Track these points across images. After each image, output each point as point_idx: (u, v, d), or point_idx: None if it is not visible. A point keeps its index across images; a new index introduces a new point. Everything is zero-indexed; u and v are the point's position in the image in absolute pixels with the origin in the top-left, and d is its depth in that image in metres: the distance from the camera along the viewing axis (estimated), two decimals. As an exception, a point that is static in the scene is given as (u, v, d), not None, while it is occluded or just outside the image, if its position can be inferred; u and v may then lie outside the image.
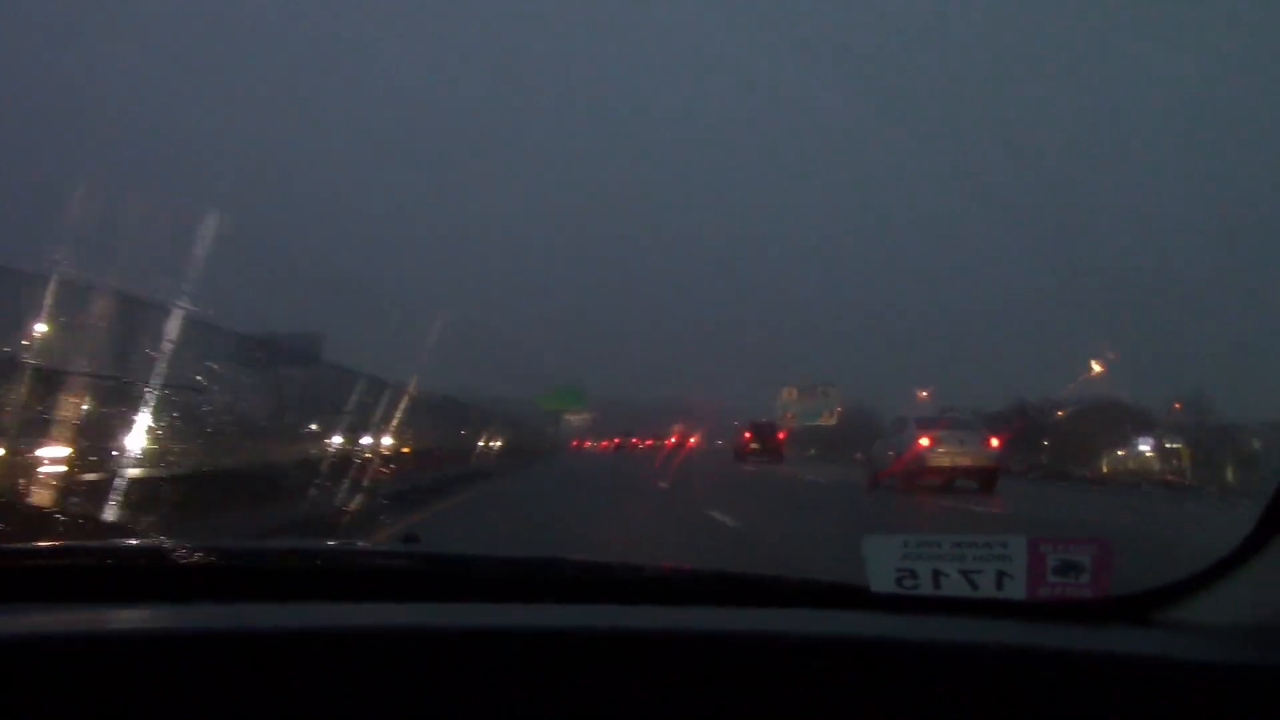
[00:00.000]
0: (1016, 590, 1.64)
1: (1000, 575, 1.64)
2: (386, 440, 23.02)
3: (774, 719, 1.43)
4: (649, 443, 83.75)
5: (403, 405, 24.06)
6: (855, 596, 1.71)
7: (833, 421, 70.49)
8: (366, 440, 21.30)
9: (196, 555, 1.83)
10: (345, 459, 17.08)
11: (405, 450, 24.62)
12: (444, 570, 1.94)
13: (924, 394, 46.92)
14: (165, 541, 2.06)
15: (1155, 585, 1.66)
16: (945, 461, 20.44)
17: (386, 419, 22.67)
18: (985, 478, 20.64)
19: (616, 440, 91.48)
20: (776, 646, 1.53)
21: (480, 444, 38.82)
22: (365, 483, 15.12)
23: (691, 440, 76.94)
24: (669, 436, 78.07)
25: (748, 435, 48.34)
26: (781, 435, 50.46)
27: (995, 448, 21.34)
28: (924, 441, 20.60)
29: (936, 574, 1.66)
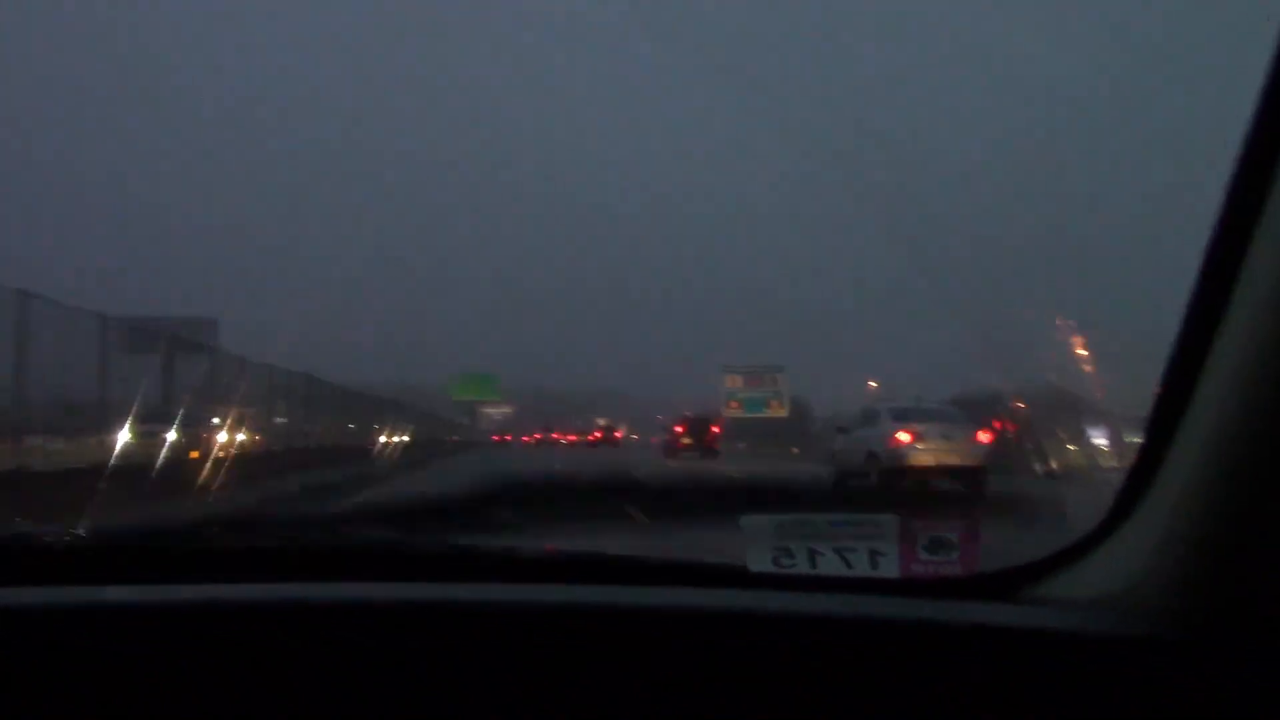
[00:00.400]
0: (890, 568, 1.69)
1: (873, 553, 1.69)
2: (240, 436, 21.21)
3: (649, 691, 1.46)
4: (571, 438, 78.23)
5: (268, 391, 22.62)
6: (735, 575, 1.73)
7: (784, 412, 62.82)
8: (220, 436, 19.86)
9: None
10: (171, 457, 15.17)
11: (253, 444, 22.26)
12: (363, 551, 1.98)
13: (873, 383, 45.09)
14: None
15: (1020, 562, 1.72)
16: (929, 460, 17.31)
17: (244, 408, 21.18)
18: (973, 478, 16.91)
19: (537, 435, 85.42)
20: (657, 618, 1.56)
21: (380, 439, 34.70)
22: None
23: (618, 434, 72.87)
24: (593, 431, 74.12)
25: (679, 428, 44.92)
26: (716, 428, 46.61)
27: (985, 443, 18.17)
28: (903, 437, 17.56)
29: (813, 553, 1.70)
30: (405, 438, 38.69)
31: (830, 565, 1.69)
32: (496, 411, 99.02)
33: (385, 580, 1.70)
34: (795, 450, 46.87)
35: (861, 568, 1.69)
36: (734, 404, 65.09)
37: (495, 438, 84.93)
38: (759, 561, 1.71)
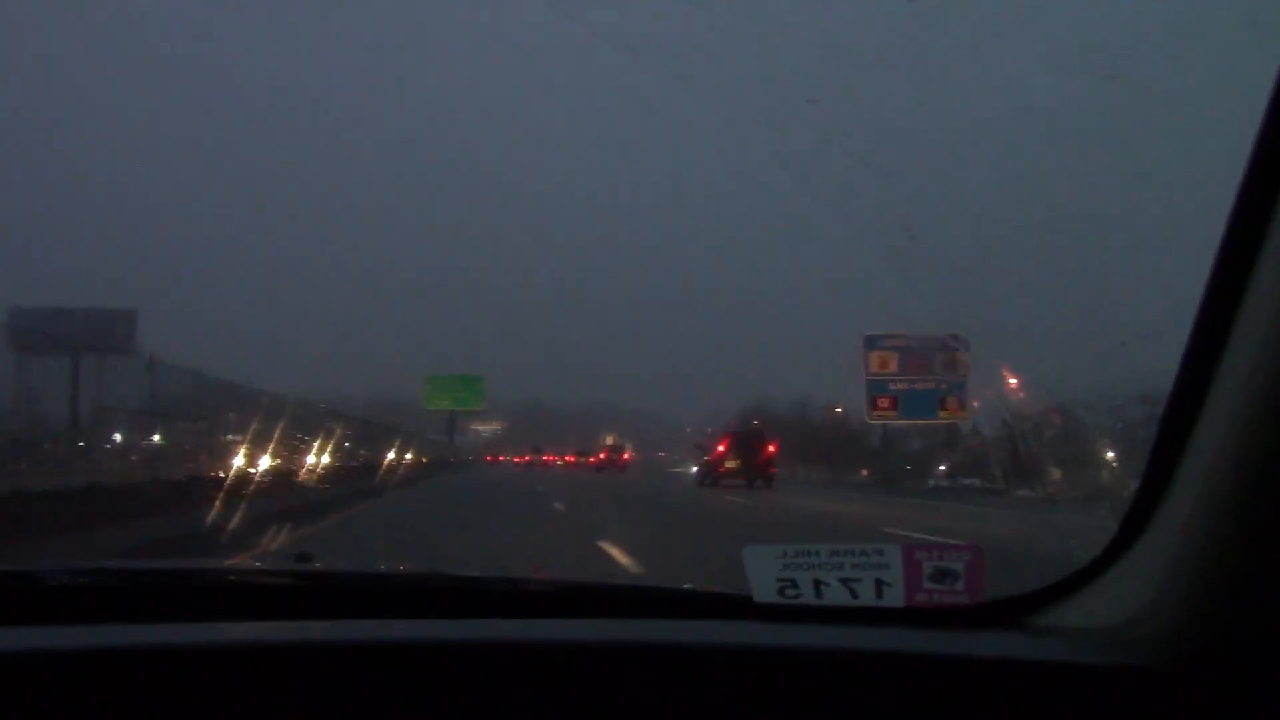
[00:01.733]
0: (895, 598, 1.67)
1: (879, 583, 1.68)
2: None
3: None
4: (569, 459, 68.88)
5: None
6: (740, 607, 1.72)
7: (965, 416, 41.28)
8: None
9: (69, 577, 1.79)
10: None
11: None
12: (329, 586, 1.93)
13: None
14: (41, 564, 2.01)
15: (1026, 591, 1.71)
16: None
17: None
18: None
19: (527, 457, 73.44)
20: (659, 655, 1.54)
21: (314, 465, 23.60)
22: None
23: (626, 456, 61.25)
24: (596, 451, 63.25)
25: (722, 446, 32.40)
26: (771, 447, 32.45)
27: None
28: None
29: (817, 583, 1.68)
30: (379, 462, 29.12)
31: (835, 595, 1.68)
32: (486, 428, 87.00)
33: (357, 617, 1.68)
34: (866, 473, 37.99)
35: (867, 597, 1.68)
36: (884, 402, 42.06)
37: (490, 459, 74.57)
38: (764, 592, 1.69)
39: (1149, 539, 1.54)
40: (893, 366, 42.27)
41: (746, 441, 32.41)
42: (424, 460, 45.40)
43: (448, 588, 1.92)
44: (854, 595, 1.68)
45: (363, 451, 32.25)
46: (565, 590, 1.96)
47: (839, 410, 50.99)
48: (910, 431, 45.83)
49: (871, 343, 42.77)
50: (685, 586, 1.96)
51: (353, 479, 24.78)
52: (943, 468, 38.80)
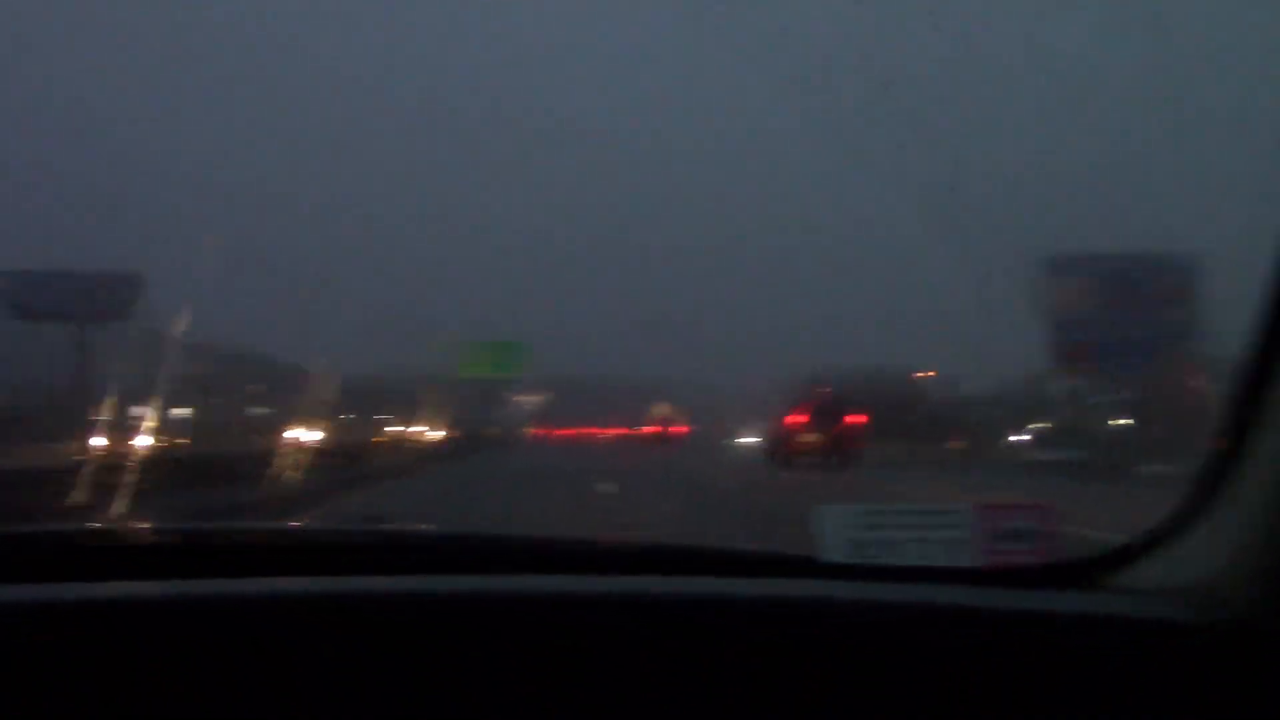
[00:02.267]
0: (965, 557, 1.68)
1: (950, 542, 1.69)
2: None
3: (727, 679, 1.46)
4: (619, 431, 62.76)
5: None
6: (809, 566, 1.74)
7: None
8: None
9: (160, 535, 1.87)
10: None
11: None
12: (407, 544, 1.98)
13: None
14: (131, 522, 2.10)
15: (1098, 551, 1.71)
16: None
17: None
18: None
19: (574, 430, 68.45)
20: (728, 609, 1.56)
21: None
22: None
23: (678, 429, 54.00)
24: (645, 423, 56.37)
25: (799, 418, 26.33)
26: (860, 418, 26.85)
27: None
28: None
29: (887, 542, 1.70)
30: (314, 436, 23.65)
31: (905, 555, 1.69)
32: (529, 399, 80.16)
33: (437, 573, 1.72)
34: (957, 445, 31.99)
35: (937, 557, 1.68)
36: (1080, 351, 28.94)
37: (536, 432, 69.17)
38: (832, 551, 1.71)
39: (1224, 499, 1.53)
40: (1087, 301, 28.87)
41: (827, 411, 26.39)
42: (452, 437, 41.11)
43: (520, 546, 1.96)
44: (924, 555, 1.69)
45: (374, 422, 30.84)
46: (635, 549, 2.00)
47: (921, 376, 44.91)
48: (985, 393, 39.86)
49: (1060, 268, 30.09)
50: (752, 546, 1.99)
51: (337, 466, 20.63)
52: (1024, 437, 33.09)
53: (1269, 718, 1.40)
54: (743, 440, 40.41)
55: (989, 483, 20.96)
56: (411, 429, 37.76)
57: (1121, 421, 29.05)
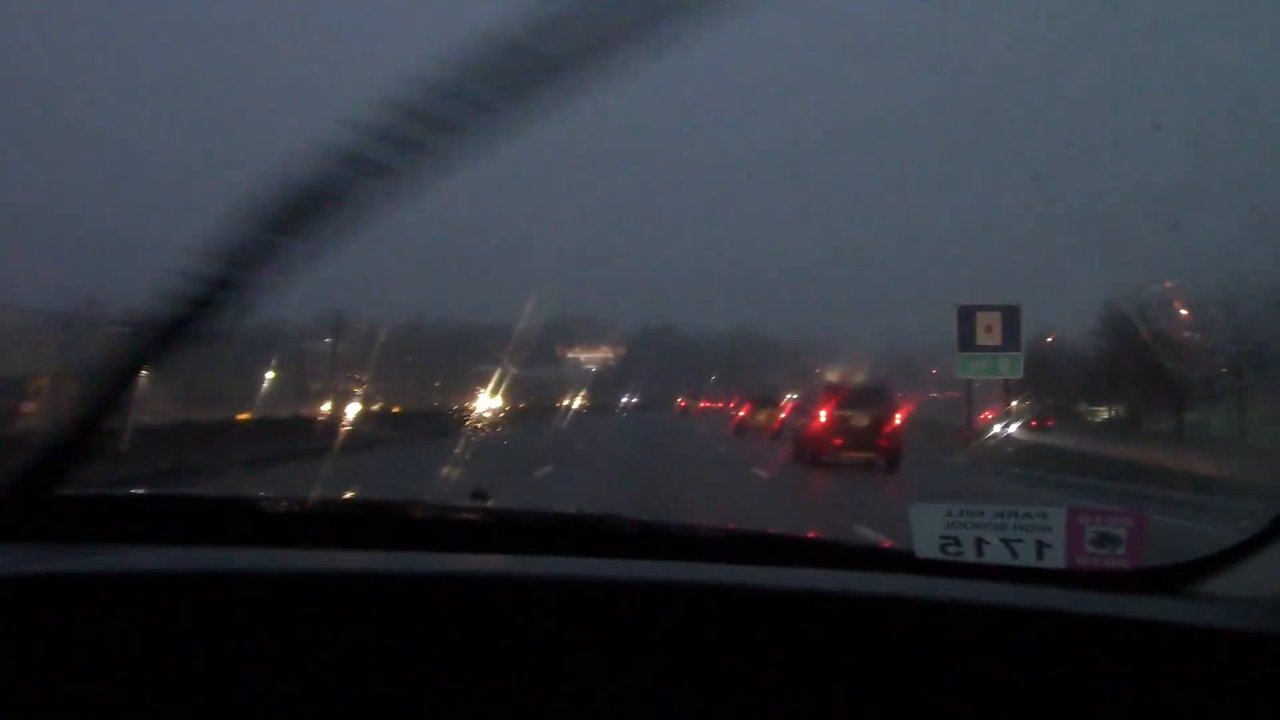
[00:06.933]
0: (1056, 559, 1.73)
1: (1040, 545, 1.74)
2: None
3: (819, 669, 1.54)
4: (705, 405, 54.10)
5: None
6: (902, 561, 1.80)
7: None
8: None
9: (275, 505, 2.00)
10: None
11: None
12: (511, 524, 2.08)
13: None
14: (249, 492, 2.23)
15: (1187, 559, 1.74)
16: None
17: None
18: None
19: (683, 403, 60.38)
20: (825, 602, 1.64)
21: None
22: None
23: (782, 413, 34.72)
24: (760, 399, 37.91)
25: (822, 414, 21.27)
26: (898, 416, 21.28)
27: None
28: None
29: (979, 541, 1.75)
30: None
31: (996, 555, 1.75)
32: (589, 354, 68.83)
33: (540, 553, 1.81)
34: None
35: (1028, 558, 1.74)
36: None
37: (683, 403, 61.25)
38: (927, 548, 1.77)
39: None
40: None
41: (858, 404, 21.14)
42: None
43: (623, 530, 2.04)
44: (1014, 555, 1.74)
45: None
46: (737, 538, 2.07)
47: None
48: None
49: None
50: (849, 540, 2.05)
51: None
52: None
53: None
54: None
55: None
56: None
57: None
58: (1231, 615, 1.60)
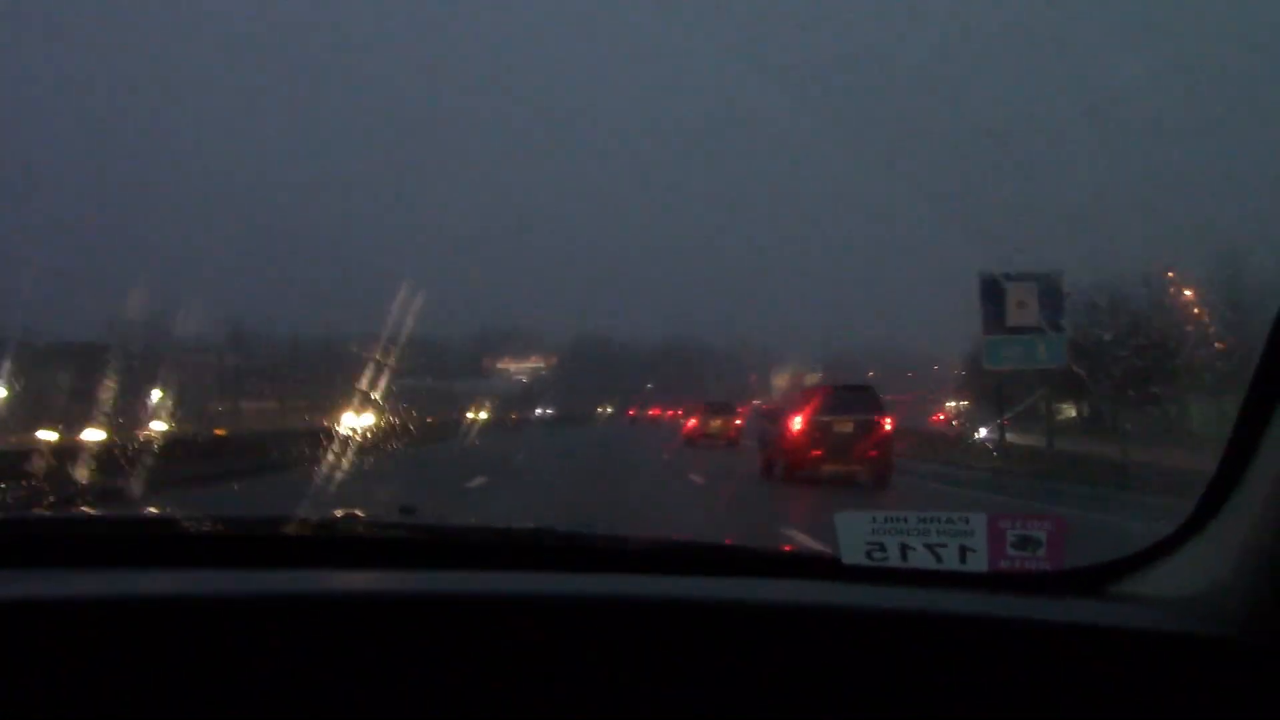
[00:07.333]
0: (979, 563, 1.76)
1: (963, 549, 1.77)
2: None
3: (747, 681, 1.54)
4: (679, 417, 45.60)
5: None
6: (828, 568, 1.82)
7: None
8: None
9: (204, 525, 1.95)
10: None
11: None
12: (436, 539, 2.05)
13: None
14: (175, 511, 2.17)
15: (1106, 560, 1.78)
16: None
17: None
18: None
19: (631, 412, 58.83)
20: (754, 613, 1.64)
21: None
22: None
23: (737, 420, 32.87)
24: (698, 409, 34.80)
25: (798, 420, 17.81)
26: (887, 424, 17.68)
27: None
28: None
29: (904, 547, 1.78)
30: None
31: (921, 560, 1.77)
32: (518, 366, 66.79)
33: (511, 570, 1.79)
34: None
35: (951, 563, 1.76)
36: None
37: (631, 412, 60.26)
38: (852, 554, 1.78)
39: (1227, 515, 1.60)
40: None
41: (842, 408, 17.87)
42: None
43: (554, 543, 2.02)
44: (939, 560, 1.77)
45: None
46: (665, 548, 2.06)
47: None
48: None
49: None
50: (776, 548, 2.06)
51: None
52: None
53: None
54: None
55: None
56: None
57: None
58: (1147, 615, 1.64)
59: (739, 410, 34.80)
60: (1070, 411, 42.58)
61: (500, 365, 66.90)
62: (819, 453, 17.42)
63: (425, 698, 1.52)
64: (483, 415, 43.70)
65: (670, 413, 53.78)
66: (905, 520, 1.79)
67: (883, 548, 1.78)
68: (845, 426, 17.46)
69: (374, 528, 2.15)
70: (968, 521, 1.77)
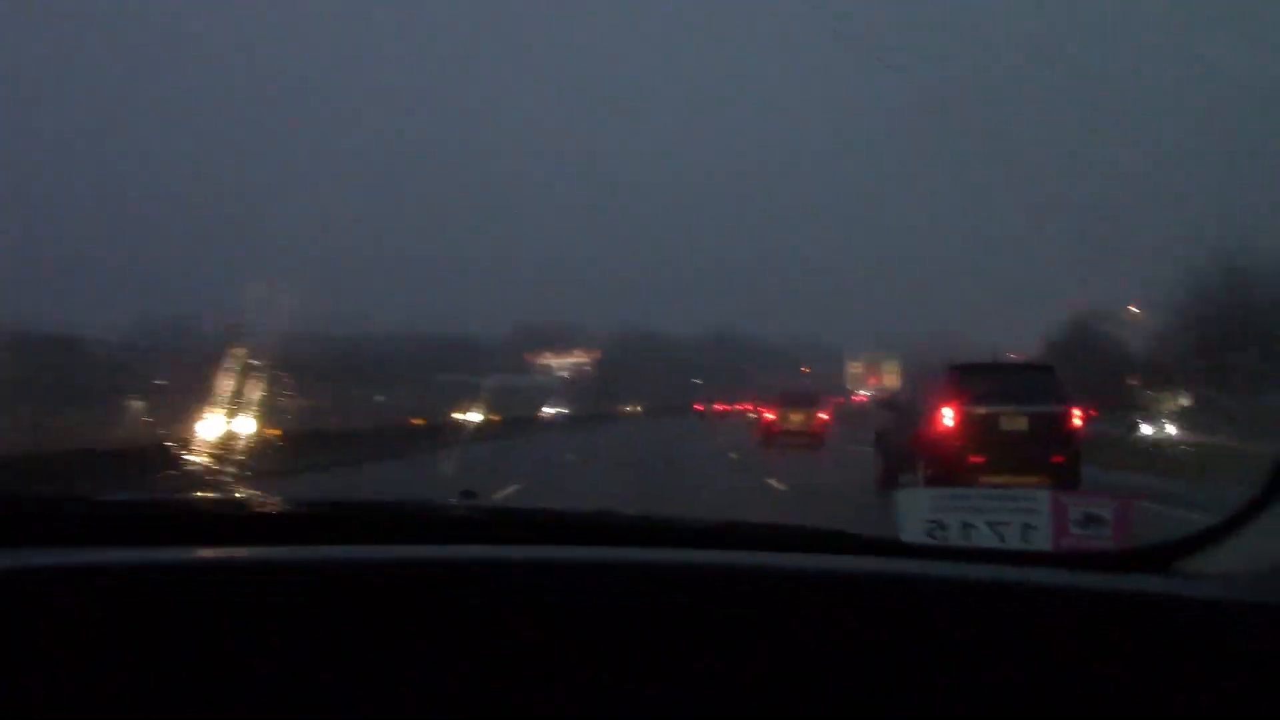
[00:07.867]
0: (1042, 541, 1.76)
1: (1025, 527, 1.76)
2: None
3: (806, 648, 1.54)
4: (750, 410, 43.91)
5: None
6: (887, 546, 1.81)
7: None
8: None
9: (258, 505, 2.00)
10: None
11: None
12: (501, 519, 2.08)
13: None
14: (240, 493, 2.22)
15: (1172, 539, 1.76)
16: None
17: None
18: None
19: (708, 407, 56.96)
20: (809, 582, 1.65)
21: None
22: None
23: (823, 416, 29.69)
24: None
25: (944, 423, 13.52)
26: (1075, 417, 13.86)
27: None
28: None
29: (965, 525, 1.78)
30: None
31: (983, 538, 1.77)
32: (560, 361, 68.17)
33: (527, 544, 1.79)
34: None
35: (1014, 541, 1.76)
36: None
37: (699, 406, 60.55)
38: (913, 533, 1.78)
39: None
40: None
41: (1011, 396, 14.07)
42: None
43: (613, 524, 2.03)
44: (1001, 538, 1.76)
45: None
46: (727, 528, 2.08)
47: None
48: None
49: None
50: (836, 529, 2.07)
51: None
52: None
53: None
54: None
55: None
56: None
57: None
58: (1214, 588, 1.62)
59: (824, 401, 30.98)
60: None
61: (541, 360, 67.66)
62: (980, 458, 13.01)
63: (486, 663, 1.53)
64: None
65: (725, 408, 51.61)
66: (968, 497, 1.79)
67: (943, 525, 1.78)
68: (1018, 422, 13.41)
69: (477, 511, 2.18)
70: (1031, 499, 1.77)
